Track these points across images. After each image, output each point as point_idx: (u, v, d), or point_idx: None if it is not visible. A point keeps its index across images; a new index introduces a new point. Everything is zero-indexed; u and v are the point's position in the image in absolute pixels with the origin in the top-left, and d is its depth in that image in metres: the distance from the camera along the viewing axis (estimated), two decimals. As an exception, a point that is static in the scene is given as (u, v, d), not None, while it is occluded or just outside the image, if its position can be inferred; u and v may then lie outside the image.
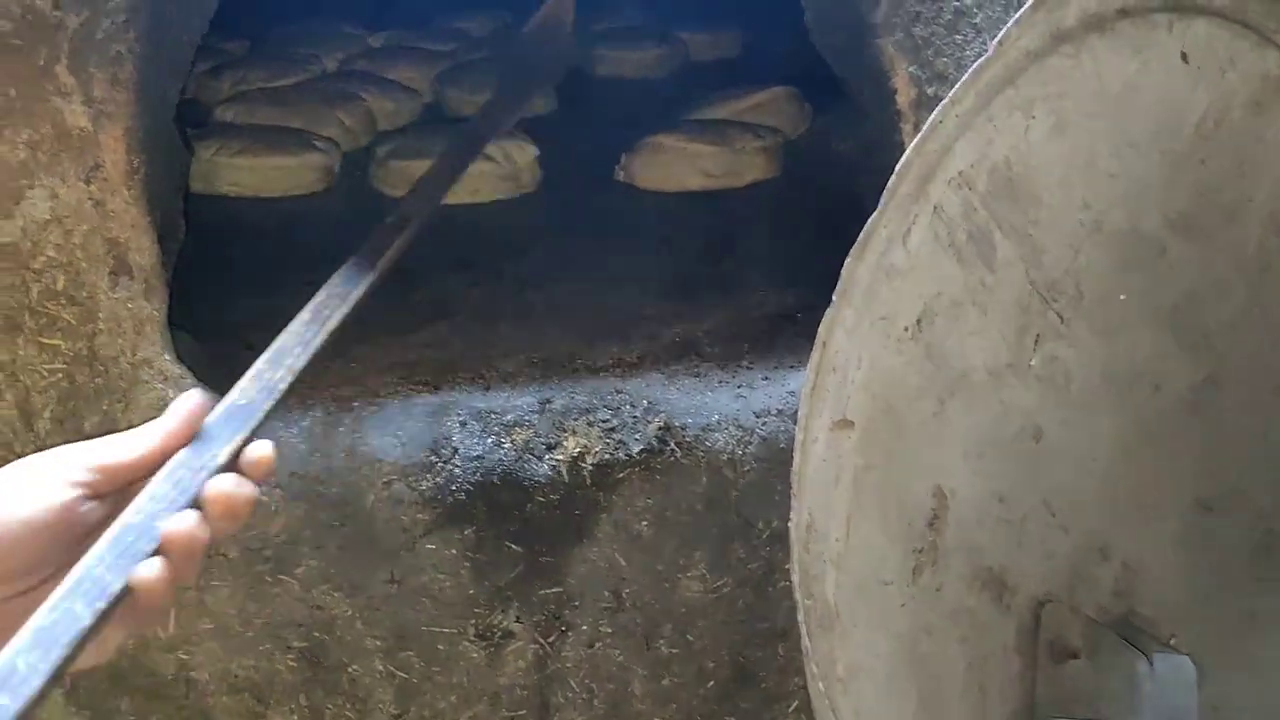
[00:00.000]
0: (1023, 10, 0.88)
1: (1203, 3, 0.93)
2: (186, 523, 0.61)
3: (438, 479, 1.16)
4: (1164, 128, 0.94)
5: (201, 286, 1.31)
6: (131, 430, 0.65)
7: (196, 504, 0.62)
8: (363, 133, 1.92)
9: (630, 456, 1.18)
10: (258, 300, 1.21)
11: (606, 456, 1.18)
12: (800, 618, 0.88)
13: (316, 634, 1.18)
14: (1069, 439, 0.95)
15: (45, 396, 1.12)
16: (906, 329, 0.89)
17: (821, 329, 0.87)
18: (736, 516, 1.20)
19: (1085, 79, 0.90)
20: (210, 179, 1.70)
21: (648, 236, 1.60)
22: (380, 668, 1.19)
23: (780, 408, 1.21)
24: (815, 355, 0.87)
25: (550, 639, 1.20)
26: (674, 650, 1.22)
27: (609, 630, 1.21)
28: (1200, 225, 0.97)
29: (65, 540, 0.61)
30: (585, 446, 1.18)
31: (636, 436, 1.19)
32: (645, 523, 1.20)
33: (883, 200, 0.86)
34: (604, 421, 1.20)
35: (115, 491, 0.63)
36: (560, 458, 1.18)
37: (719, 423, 1.20)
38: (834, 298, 0.86)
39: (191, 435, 0.65)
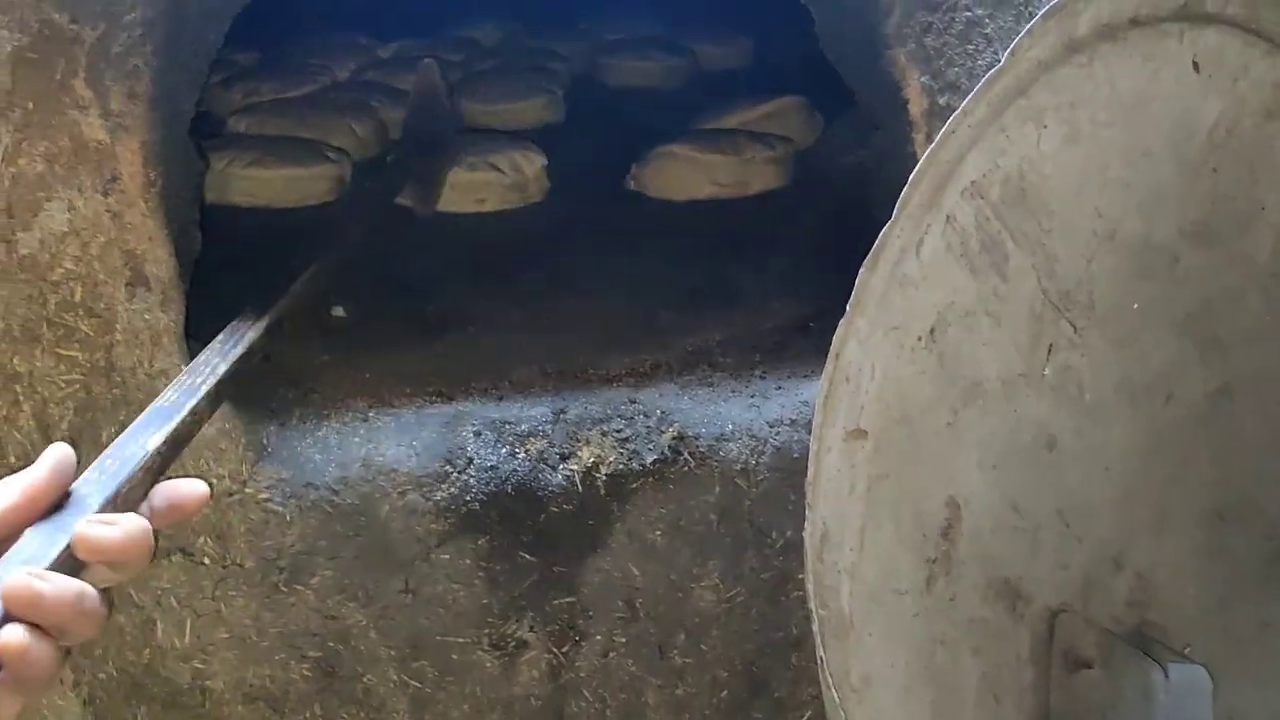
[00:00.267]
0: (1034, 20, 0.88)
1: (1214, 11, 0.94)
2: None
3: (452, 489, 1.17)
4: (1176, 136, 0.94)
5: (216, 297, 1.31)
6: None
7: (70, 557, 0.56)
8: (374, 143, 1.93)
9: (644, 466, 1.19)
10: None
11: (620, 467, 1.18)
12: (815, 628, 0.88)
13: (331, 643, 1.19)
14: (1083, 448, 0.95)
15: (62, 408, 1.12)
16: (920, 339, 0.89)
17: (835, 339, 0.87)
18: (750, 526, 1.21)
19: (1097, 88, 0.91)
20: (223, 190, 1.71)
21: (658, 246, 1.60)
22: (394, 677, 1.19)
23: (793, 418, 1.21)
24: (829, 365, 0.87)
25: (564, 649, 1.21)
26: (687, 660, 1.22)
27: (623, 640, 1.22)
28: (1213, 234, 0.97)
29: None
30: (599, 457, 1.18)
31: (650, 447, 1.19)
32: (659, 533, 1.20)
33: (895, 210, 0.86)
34: (618, 432, 1.20)
35: None
36: (574, 468, 1.18)
37: (732, 433, 1.20)
38: (847, 308, 0.87)
39: (61, 486, 0.59)
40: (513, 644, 1.20)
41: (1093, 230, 0.93)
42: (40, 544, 0.56)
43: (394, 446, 1.18)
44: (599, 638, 1.21)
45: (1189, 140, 0.94)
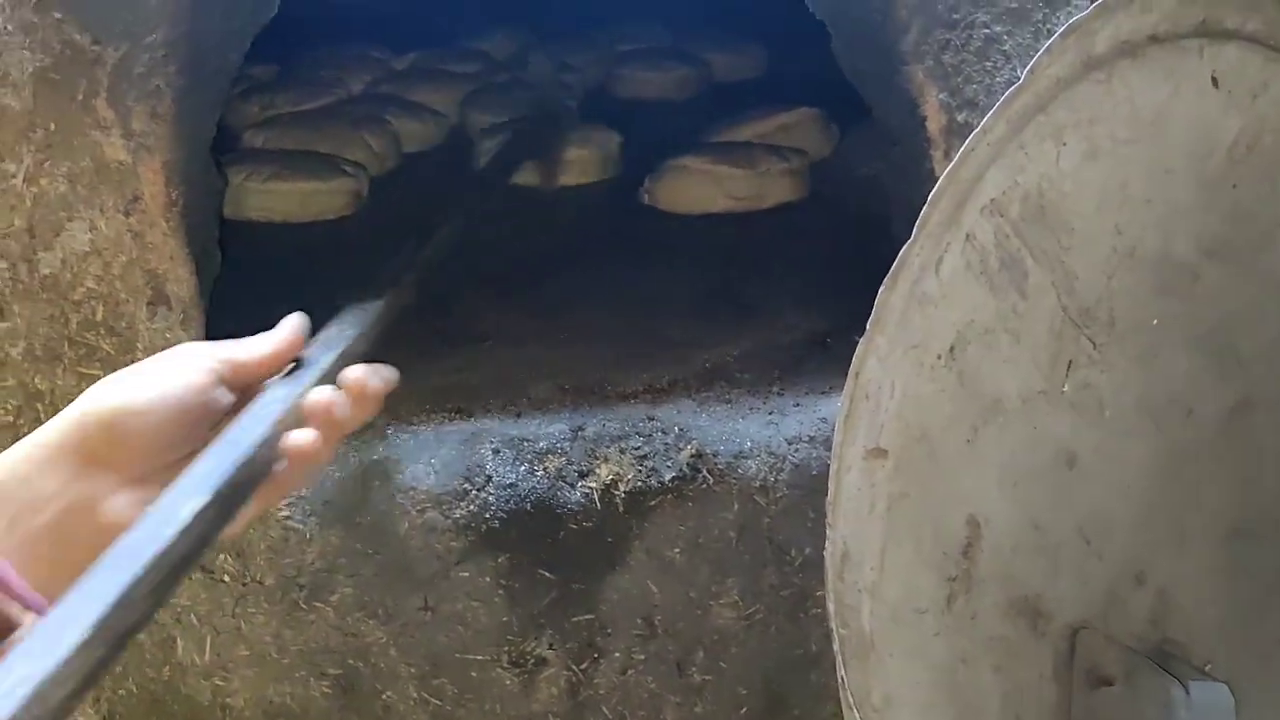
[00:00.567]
0: (1054, 38, 0.88)
1: (1233, 28, 0.94)
2: (325, 395, 0.66)
3: (471, 506, 1.17)
4: (1196, 153, 0.94)
5: (235, 313, 1.32)
6: (248, 338, 0.70)
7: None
8: (389, 156, 1.94)
9: (663, 484, 1.19)
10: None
11: (639, 484, 1.19)
12: (836, 647, 0.88)
13: (351, 661, 1.19)
14: (1103, 465, 0.95)
15: (83, 426, 1.13)
16: (939, 357, 0.89)
17: (855, 358, 0.87)
18: (769, 543, 1.20)
19: (1117, 105, 0.90)
20: (240, 205, 1.71)
21: (673, 260, 1.60)
22: (414, 694, 1.20)
23: (812, 434, 1.21)
24: (849, 384, 0.87)
25: (583, 666, 1.21)
26: (706, 677, 1.22)
27: (641, 657, 1.22)
28: (1233, 250, 0.97)
29: (198, 420, 0.65)
30: (618, 474, 1.18)
31: (668, 464, 1.19)
32: (678, 550, 1.20)
33: (915, 229, 0.86)
34: (636, 449, 1.20)
35: (237, 388, 0.68)
36: (593, 485, 1.18)
37: (751, 450, 1.20)
38: (867, 326, 0.87)
39: (299, 347, 0.70)
40: (532, 661, 1.20)
41: (1112, 247, 0.93)
42: (287, 393, 0.67)
43: (413, 464, 1.19)
44: (618, 655, 1.21)
45: (1209, 157, 0.94)
